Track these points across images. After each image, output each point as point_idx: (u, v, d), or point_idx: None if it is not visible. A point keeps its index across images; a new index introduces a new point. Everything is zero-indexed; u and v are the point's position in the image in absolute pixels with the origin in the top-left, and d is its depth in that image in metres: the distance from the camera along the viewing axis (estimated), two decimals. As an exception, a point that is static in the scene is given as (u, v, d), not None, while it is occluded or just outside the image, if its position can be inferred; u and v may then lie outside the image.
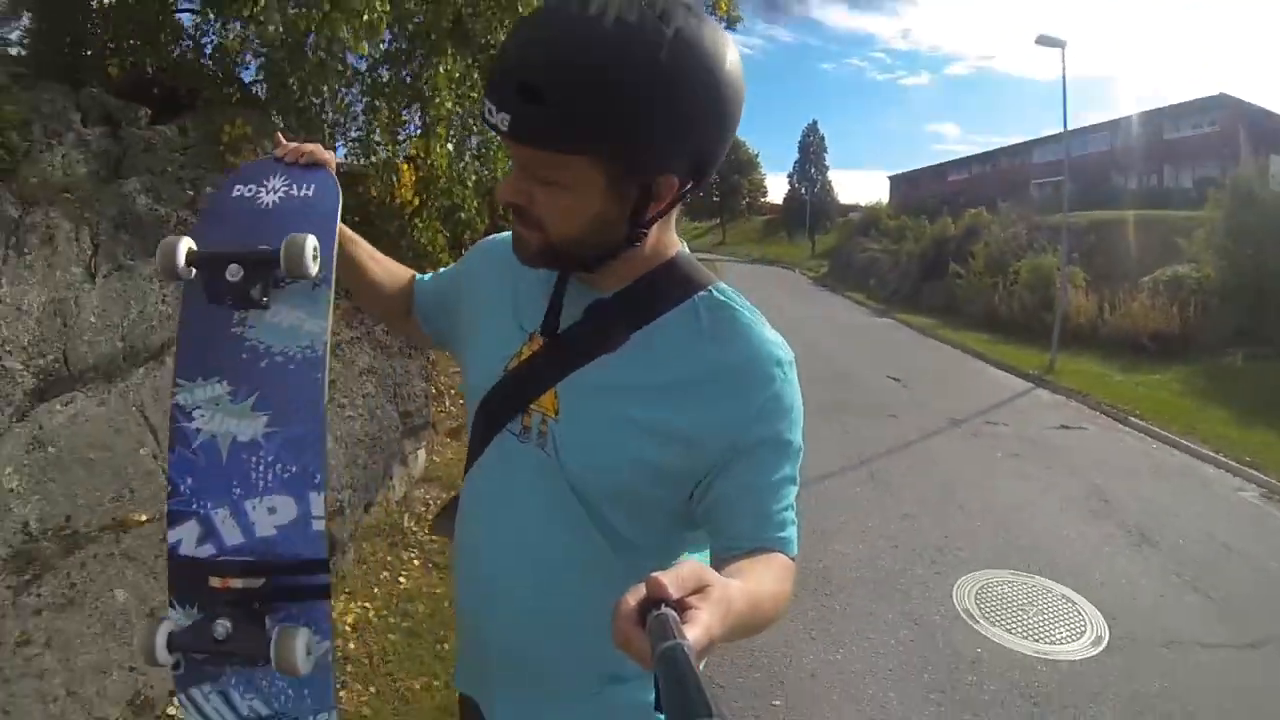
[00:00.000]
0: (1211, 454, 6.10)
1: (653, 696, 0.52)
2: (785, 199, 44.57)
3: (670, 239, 0.82)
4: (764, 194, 51.35)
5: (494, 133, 0.72)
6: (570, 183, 0.69)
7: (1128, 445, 6.53)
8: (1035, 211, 18.20)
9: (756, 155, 48.35)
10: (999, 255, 15.32)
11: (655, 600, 0.48)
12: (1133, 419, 7.21)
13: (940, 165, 38.45)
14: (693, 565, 0.52)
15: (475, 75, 4.64)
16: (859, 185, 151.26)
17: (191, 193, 2.85)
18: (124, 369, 2.21)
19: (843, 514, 4.13)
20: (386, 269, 1.03)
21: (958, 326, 13.71)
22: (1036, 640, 2.97)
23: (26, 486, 1.80)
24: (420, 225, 4.70)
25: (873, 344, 11.55)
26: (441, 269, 1.04)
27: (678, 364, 0.76)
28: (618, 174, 0.69)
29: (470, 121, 4.91)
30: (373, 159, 4.51)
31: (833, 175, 53.00)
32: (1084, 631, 3.06)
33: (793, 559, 0.75)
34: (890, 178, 42.95)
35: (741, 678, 2.58)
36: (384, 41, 4.30)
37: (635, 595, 0.49)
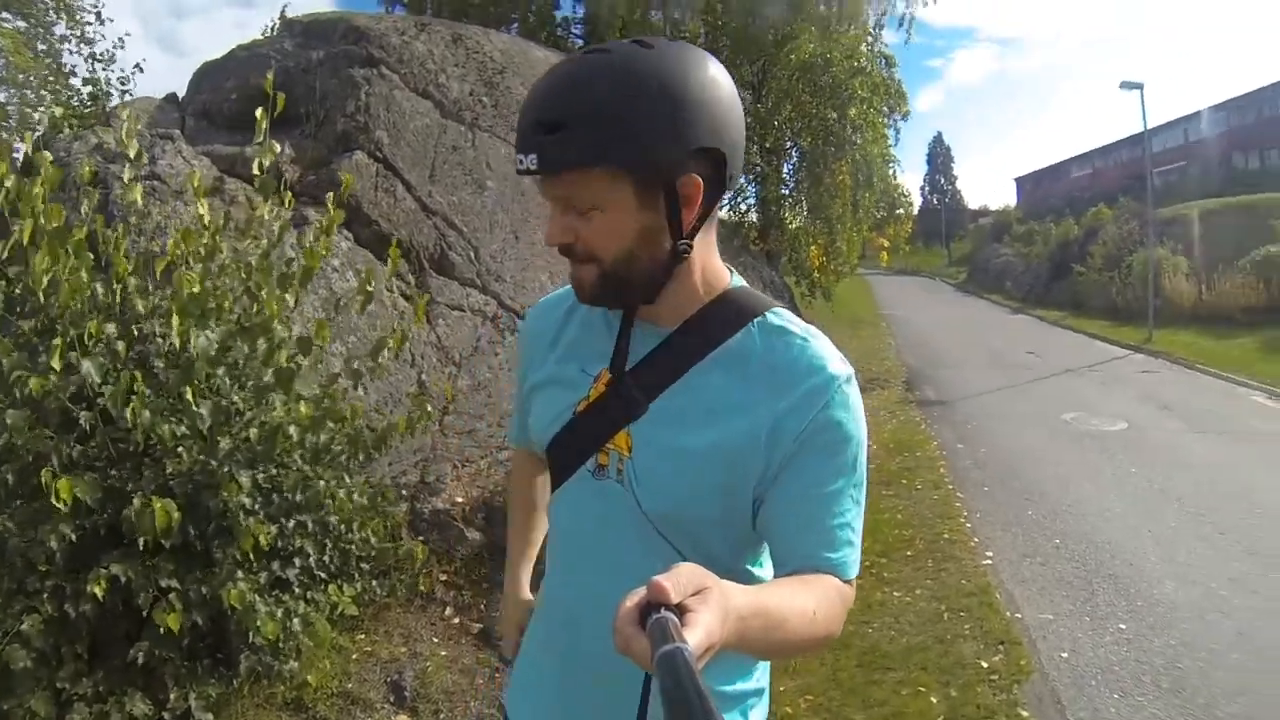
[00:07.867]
0: (1244, 380, 9.56)
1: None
2: (919, 209, 47.65)
3: (721, 270, 0.89)
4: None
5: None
6: (604, 202, 0.78)
7: (1185, 377, 10.26)
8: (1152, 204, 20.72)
9: (885, 167, 52.21)
10: (1115, 252, 18.00)
11: (655, 604, 0.50)
12: (1198, 366, 10.78)
13: (1063, 163, 39.46)
14: (692, 568, 0.54)
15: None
16: (987, 182, 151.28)
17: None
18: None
19: (999, 403, 8.43)
20: (539, 493, 1.13)
21: (1082, 316, 17.00)
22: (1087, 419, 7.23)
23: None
24: None
25: (1013, 333, 15.44)
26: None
27: (734, 385, 0.82)
28: (642, 181, 0.77)
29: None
30: None
31: (961, 177, 54.45)
32: (1118, 422, 7.27)
33: (847, 581, 0.78)
34: (1016, 179, 45.05)
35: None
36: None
37: (635, 598, 0.51)
